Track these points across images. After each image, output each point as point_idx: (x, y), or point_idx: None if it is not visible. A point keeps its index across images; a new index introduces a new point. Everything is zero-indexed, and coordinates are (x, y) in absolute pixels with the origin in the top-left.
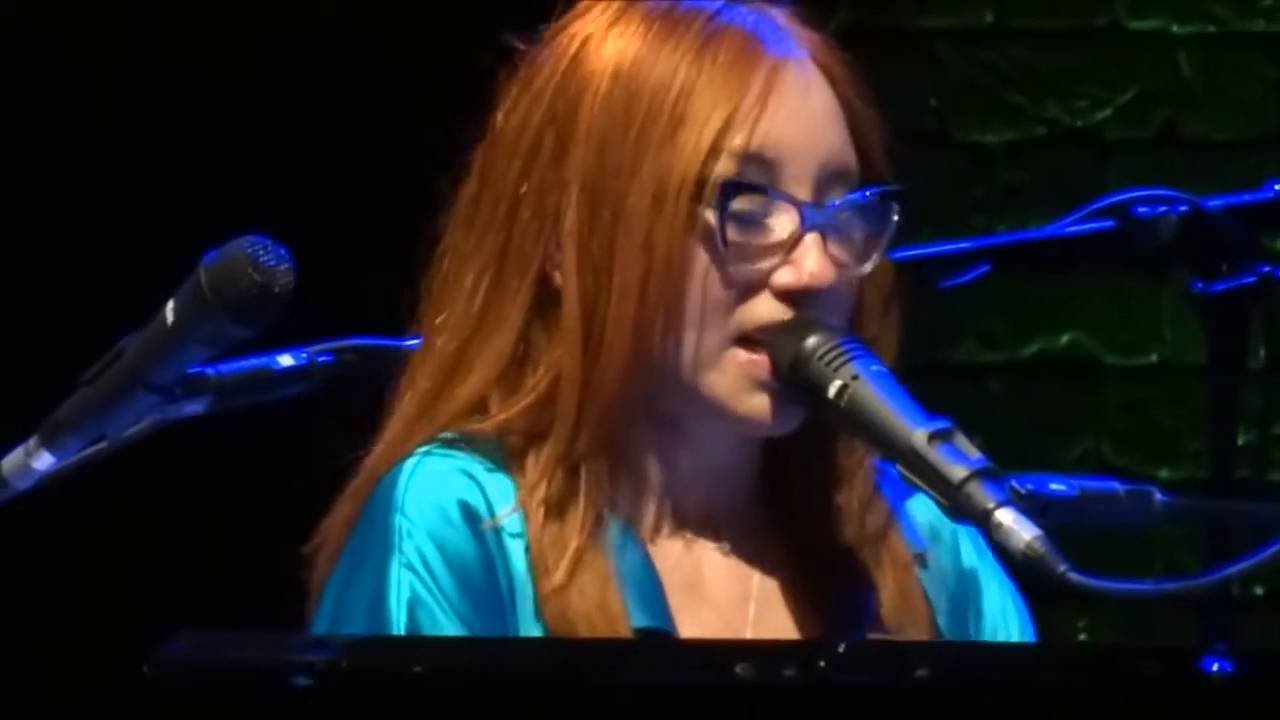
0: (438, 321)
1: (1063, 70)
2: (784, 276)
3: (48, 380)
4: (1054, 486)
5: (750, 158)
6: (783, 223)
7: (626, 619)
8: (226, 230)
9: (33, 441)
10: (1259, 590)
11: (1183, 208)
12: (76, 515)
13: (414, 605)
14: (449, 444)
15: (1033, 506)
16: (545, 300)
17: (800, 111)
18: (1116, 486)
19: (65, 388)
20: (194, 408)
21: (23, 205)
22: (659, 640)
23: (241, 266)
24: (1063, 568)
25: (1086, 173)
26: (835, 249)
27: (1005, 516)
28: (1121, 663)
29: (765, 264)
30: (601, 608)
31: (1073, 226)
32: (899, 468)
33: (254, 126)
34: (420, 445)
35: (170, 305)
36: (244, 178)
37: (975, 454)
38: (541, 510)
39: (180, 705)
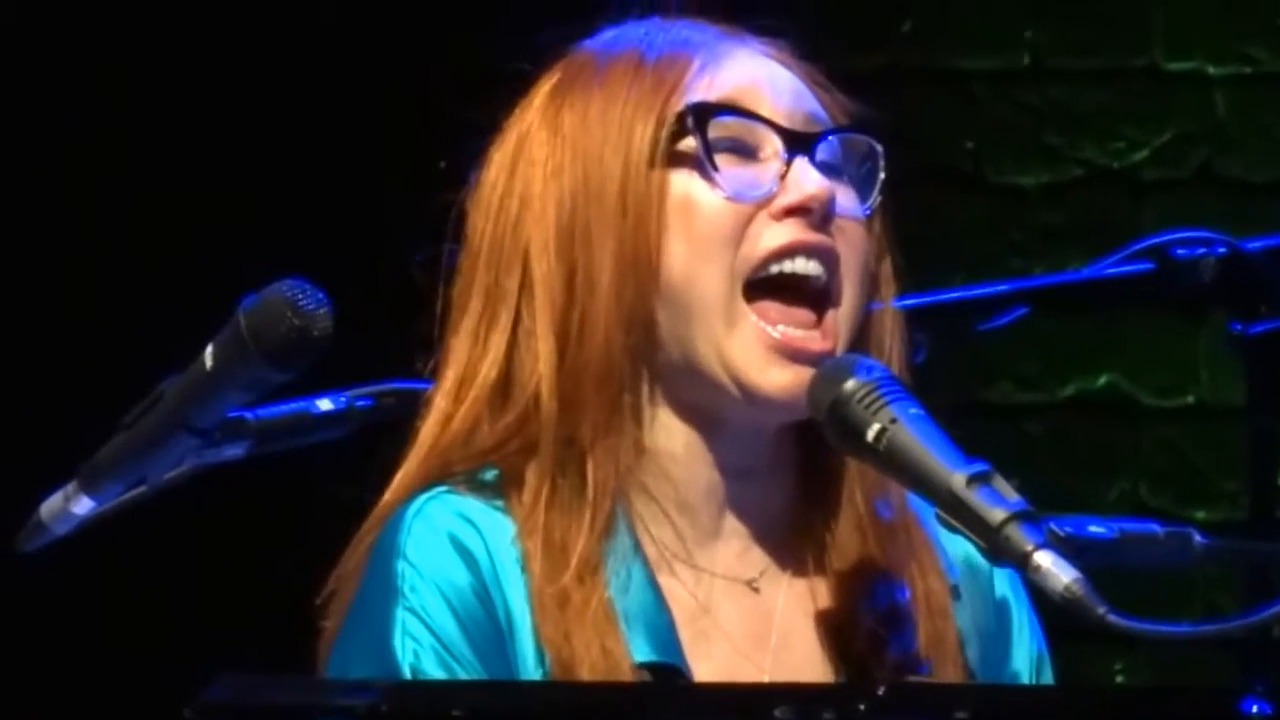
0: (439, 368)
1: (1099, 111)
2: (782, 198)
3: (87, 424)
4: (1093, 529)
5: (720, 99)
6: (769, 149)
7: (629, 659)
8: (266, 274)
9: (72, 486)
10: None
11: (1221, 249)
12: (116, 554)
13: (419, 649)
14: (450, 486)
15: (1071, 549)
16: (528, 319)
17: (757, 65)
18: (1155, 528)
19: (105, 432)
20: (233, 451)
21: (63, 249)
22: (699, 685)
23: (280, 311)
24: (1102, 609)
25: (1123, 214)
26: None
27: (1044, 559)
28: (1160, 704)
29: (760, 191)
30: (603, 648)
31: (1112, 268)
32: (937, 511)
33: (295, 170)
34: (422, 487)
35: (210, 349)
36: (284, 221)
37: (1014, 496)
38: (540, 541)
39: None
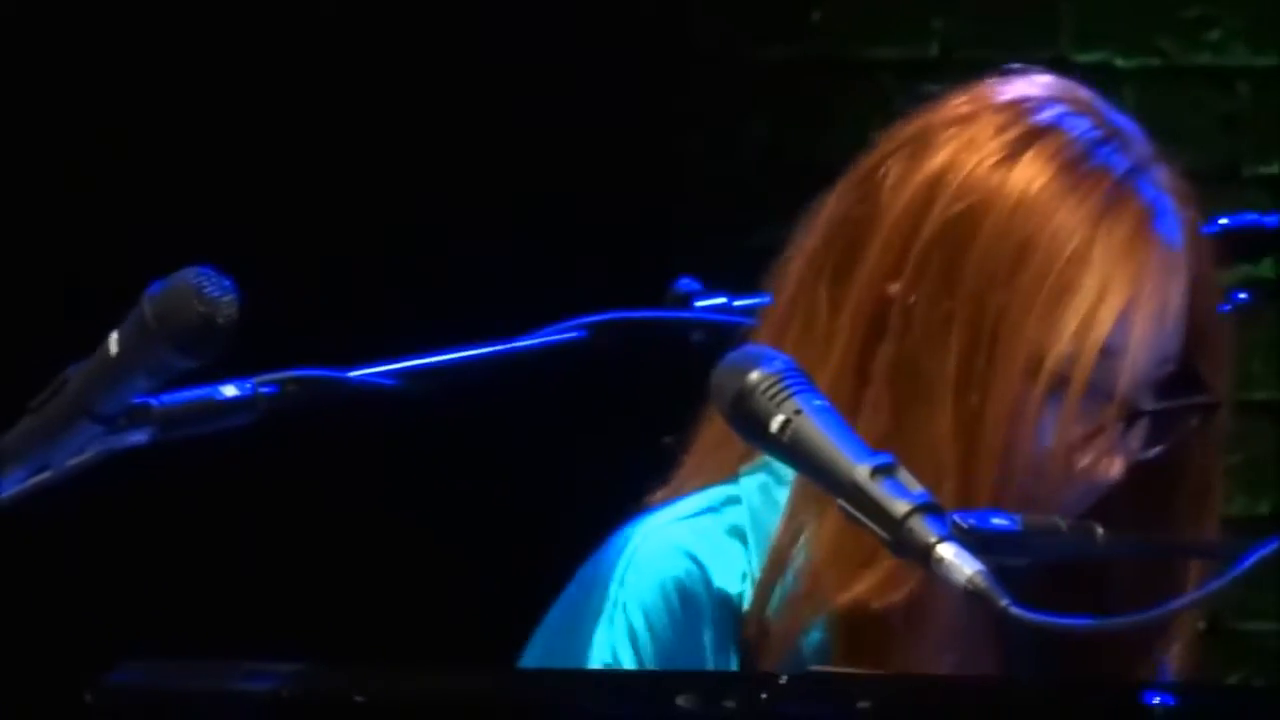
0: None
1: None
2: (1080, 462)
3: None
4: (996, 520)
5: (1105, 350)
6: (1098, 414)
7: None
8: (173, 261)
9: None
10: None
11: None
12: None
13: None
14: (710, 507)
15: (975, 541)
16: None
17: (1161, 314)
18: (1058, 520)
19: (10, 418)
20: (138, 438)
21: None
22: (603, 672)
23: (185, 298)
24: (1004, 602)
25: None
26: (1130, 438)
27: (947, 551)
28: (1064, 697)
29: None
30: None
31: None
32: (841, 503)
33: (202, 155)
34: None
35: (115, 336)
36: (191, 208)
37: (917, 489)
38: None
39: None
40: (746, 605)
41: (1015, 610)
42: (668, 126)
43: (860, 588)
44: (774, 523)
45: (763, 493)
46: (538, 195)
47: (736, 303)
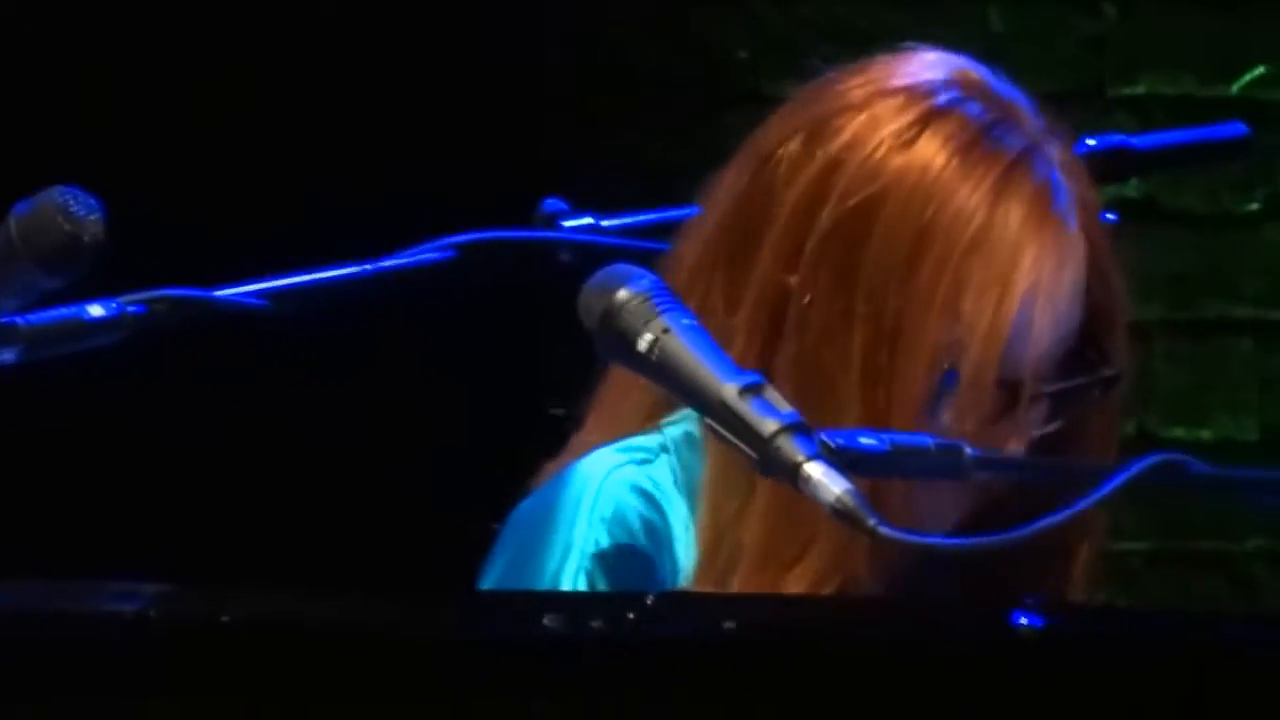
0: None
1: (876, 25)
2: (981, 439)
3: None
4: (864, 440)
5: (1009, 339)
6: (1001, 399)
7: None
8: (39, 181)
9: None
10: None
11: None
12: None
13: None
14: (647, 457)
15: (843, 460)
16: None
17: (1055, 295)
18: (926, 441)
19: None
20: (5, 357)
21: None
22: (470, 593)
23: (51, 217)
24: (872, 521)
25: None
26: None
27: (815, 470)
28: (930, 617)
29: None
30: None
31: None
32: (709, 422)
33: (66, 72)
34: (632, 431)
35: None
36: (59, 127)
37: (786, 408)
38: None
39: None
40: (690, 560)
41: (883, 530)
42: (537, 47)
43: (791, 587)
44: (701, 476)
45: (689, 445)
46: (408, 115)
47: (604, 223)
